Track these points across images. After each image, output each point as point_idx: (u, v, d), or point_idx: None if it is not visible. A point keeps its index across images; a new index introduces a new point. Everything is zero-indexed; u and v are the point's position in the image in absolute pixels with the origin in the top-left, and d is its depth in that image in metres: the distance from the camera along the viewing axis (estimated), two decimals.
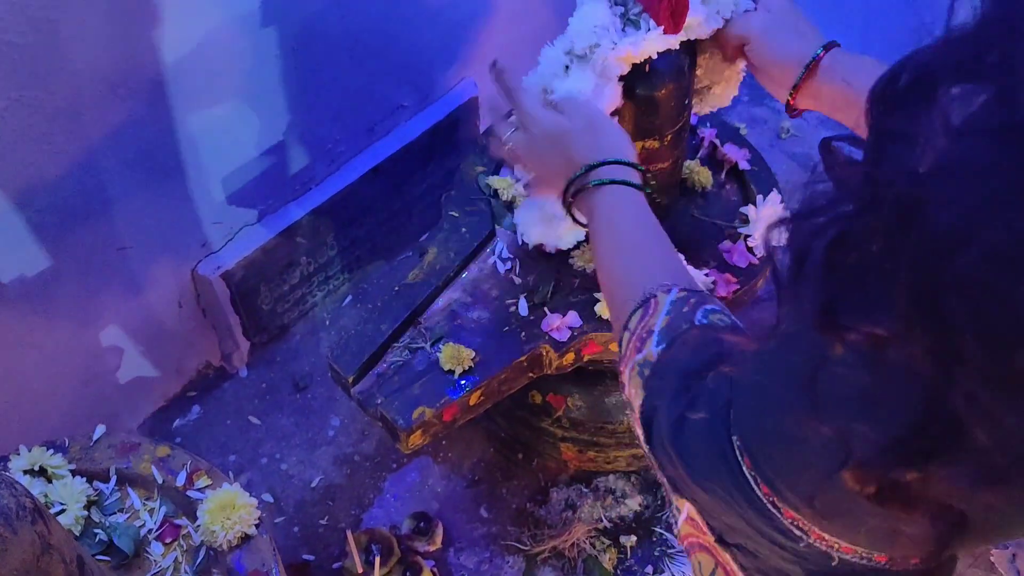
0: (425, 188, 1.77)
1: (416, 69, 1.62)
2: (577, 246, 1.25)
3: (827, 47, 0.95)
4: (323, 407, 1.61)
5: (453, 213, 1.33)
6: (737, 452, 0.54)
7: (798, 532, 0.52)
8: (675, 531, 0.68)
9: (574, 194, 0.91)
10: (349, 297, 1.76)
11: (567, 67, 1.05)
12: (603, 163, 0.89)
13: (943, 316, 0.35)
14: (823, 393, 0.45)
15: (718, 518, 0.59)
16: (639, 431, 0.69)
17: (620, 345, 0.77)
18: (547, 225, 1.19)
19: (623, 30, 1.04)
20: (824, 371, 0.44)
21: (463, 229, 1.31)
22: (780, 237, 0.43)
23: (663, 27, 1.03)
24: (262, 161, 1.44)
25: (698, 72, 1.17)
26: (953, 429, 0.37)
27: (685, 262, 1.20)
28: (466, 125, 1.77)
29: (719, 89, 1.19)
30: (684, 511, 0.65)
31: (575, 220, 0.95)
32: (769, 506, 0.52)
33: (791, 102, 1.00)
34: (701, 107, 1.22)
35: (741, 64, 1.13)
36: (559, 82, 1.05)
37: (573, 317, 1.19)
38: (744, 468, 0.53)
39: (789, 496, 0.51)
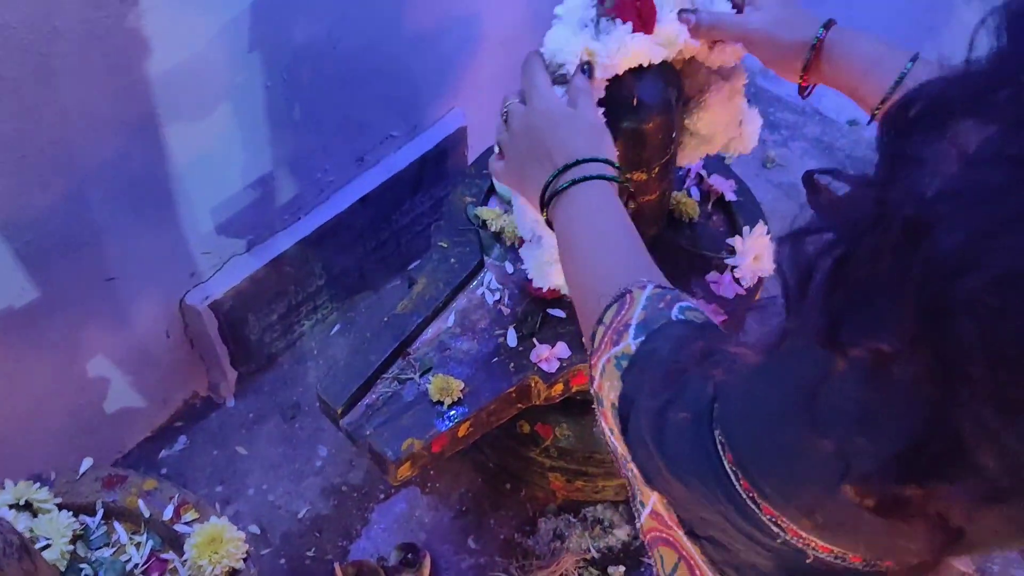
0: (413, 217, 1.78)
1: (406, 99, 1.63)
2: None
3: (826, 26, 0.96)
4: (311, 437, 1.61)
5: (442, 244, 1.33)
6: (719, 446, 0.54)
7: (775, 528, 0.52)
8: (637, 525, 0.68)
9: (551, 195, 0.89)
10: (338, 326, 1.76)
11: None
12: (578, 162, 0.88)
13: (950, 336, 0.35)
14: (824, 407, 0.45)
15: (692, 511, 0.59)
16: (611, 423, 0.69)
17: (592, 339, 0.76)
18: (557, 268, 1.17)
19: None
20: (826, 386, 0.44)
21: (452, 260, 1.31)
22: (787, 253, 0.44)
23: (631, 25, 1.02)
24: (250, 191, 1.44)
25: (701, 126, 1.19)
26: (955, 447, 0.37)
27: None
28: (455, 155, 1.78)
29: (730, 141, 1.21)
30: (649, 505, 0.65)
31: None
32: (748, 501, 0.53)
33: (802, 83, 1.00)
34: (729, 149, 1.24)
35: (740, 104, 1.16)
36: None
37: (562, 348, 1.19)
38: (725, 463, 0.53)
39: (787, 508, 0.51)
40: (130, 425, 1.54)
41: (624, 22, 1.02)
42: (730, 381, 0.56)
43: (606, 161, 0.89)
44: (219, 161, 1.36)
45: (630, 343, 0.69)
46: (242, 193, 1.43)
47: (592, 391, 0.76)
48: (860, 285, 0.40)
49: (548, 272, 1.16)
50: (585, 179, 0.86)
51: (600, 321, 0.75)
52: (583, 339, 0.80)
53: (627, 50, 1.03)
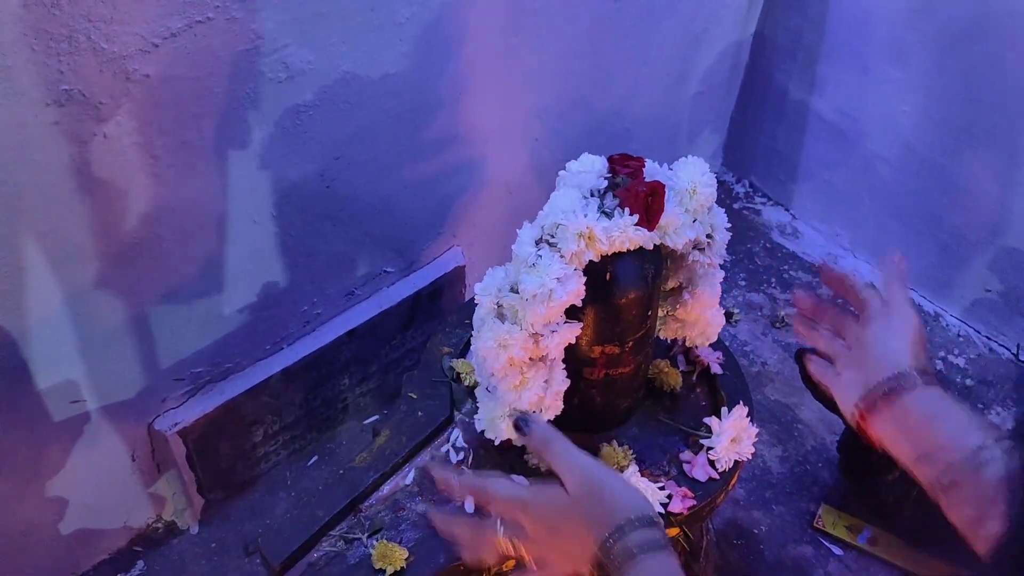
0: (404, 352, 1.75)
1: (402, 237, 1.62)
2: None
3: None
4: None
5: (412, 395, 1.29)
6: None
7: None
8: None
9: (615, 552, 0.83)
10: (315, 457, 1.71)
11: (534, 264, 1.04)
12: (629, 525, 0.82)
13: None
14: None
15: None
16: None
17: None
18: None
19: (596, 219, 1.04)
20: None
21: (419, 413, 1.27)
22: None
23: (637, 219, 1.03)
24: (232, 320, 1.43)
25: (691, 315, 1.20)
26: None
27: (639, 474, 1.16)
28: (451, 292, 1.76)
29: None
30: None
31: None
32: None
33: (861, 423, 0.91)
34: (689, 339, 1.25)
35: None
36: (525, 275, 1.04)
37: None
38: None
39: None
40: (87, 547, 1.49)
41: (631, 213, 1.02)
42: None
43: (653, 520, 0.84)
44: (196, 291, 1.34)
45: None
46: (222, 321, 1.42)
47: None
48: None
49: (499, 426, 1.13)
50: (651, 548, 0.81)
51: None
52: None
53: (625, 239, 1.03)
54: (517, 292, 1.06)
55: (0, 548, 1.34)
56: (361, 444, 1.76)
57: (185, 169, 1.21)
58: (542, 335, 1.07)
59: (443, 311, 1.75)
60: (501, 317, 1.10)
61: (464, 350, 1.35)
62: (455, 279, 1.74)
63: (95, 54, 1.03)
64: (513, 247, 1.08)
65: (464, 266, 1.74)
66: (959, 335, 2.01)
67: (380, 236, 1.57)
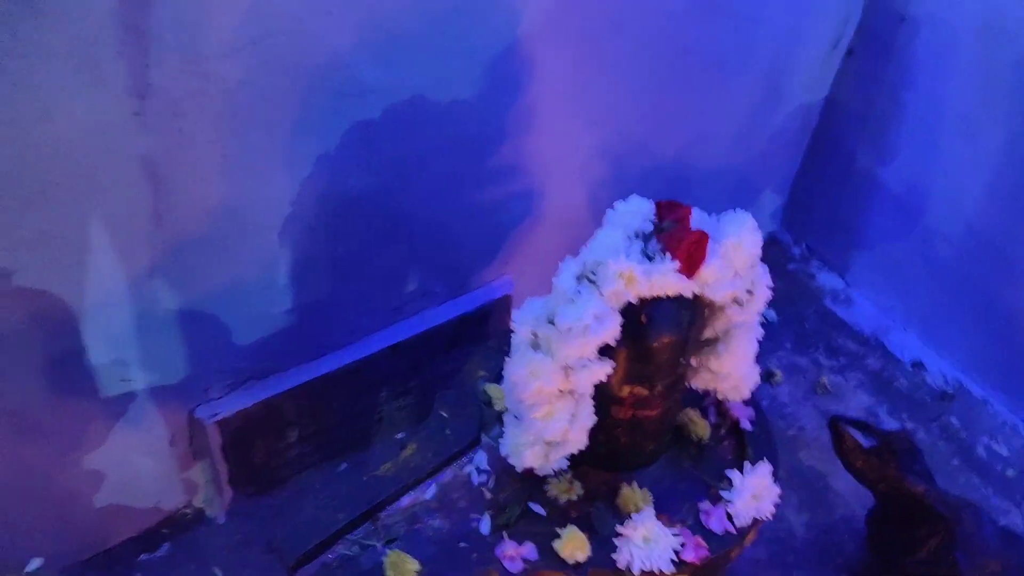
0: (445, 372, 1.78)
1: (454, 259, 1.66)
2: (556, 474, 1.22)
3: None
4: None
5: (443, 413, 1.32)
6: None
7: None
8: None
9: None
10: (345, 464, 1.74)
11: (573, 299, 1.07)
12: None
13: None
14: None
15: None
16: None
17: None
18: (537, 448, 1.17)
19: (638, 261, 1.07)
20: None
21: (448, 431, 1.30)
22: None
23: (679, 265, 1.05)
24: (280, 321, 1.47)
25: (726, 367, 1.21)
26: None
27: (656, 518, 1.17)
28: (497, 319, 1.78)
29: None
30: None
31: None
32: None
33: None
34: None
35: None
36: (564, 308, 1.07)
37: (529, 549, 1.15)
38: None
39: None
40: (117, 523, 1.54)
41: (673, 259, 1.05)
42: None
43: None
44: (249, 289, 1.39)
45: None
46: (271, 321, 1.47)
47: None
48: None
49: (523, 453, 1.15)
50: None
51: None
52: None
53: (664, 284, 1.05)
54: (554, 324, 1.09)
55: (34, 515, 1.39)
56: (391, 457, 1.80)
57: (252, 171, 1.26)
58: (573, 369, 1.09)
59: (487, 337, 1.78)
60: (536, 347, 1.12)
61: (500, 376, 1.37)
62: (502, 307, 1.77)
63: (179, 53, 1.09)
64: (554, 279, 1.11)
65: (511, 296, 1.77)
66: (1005, 423, 1.97)
67: (432, 256, 1.60)
